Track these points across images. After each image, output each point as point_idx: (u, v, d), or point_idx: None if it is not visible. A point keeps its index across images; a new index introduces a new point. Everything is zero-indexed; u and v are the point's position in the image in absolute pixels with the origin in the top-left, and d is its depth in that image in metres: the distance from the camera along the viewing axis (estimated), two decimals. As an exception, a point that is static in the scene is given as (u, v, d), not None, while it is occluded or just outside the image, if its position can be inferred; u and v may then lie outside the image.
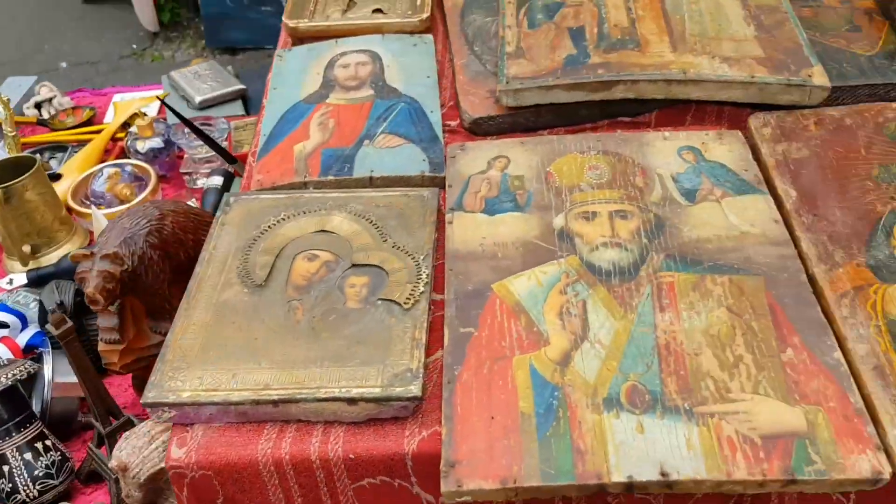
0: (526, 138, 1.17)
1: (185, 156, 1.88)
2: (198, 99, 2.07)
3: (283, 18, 1.43)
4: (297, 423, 0.85)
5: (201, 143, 1.79)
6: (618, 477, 0.77)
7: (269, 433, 0.85)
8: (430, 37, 1.39)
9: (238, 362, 0.87)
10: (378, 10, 1.46)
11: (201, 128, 1.82)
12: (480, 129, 1.21)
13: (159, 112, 2.12)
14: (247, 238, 1.02)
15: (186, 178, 1.88)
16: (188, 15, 4.05)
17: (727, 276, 0.94)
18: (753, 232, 0.99)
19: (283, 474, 0.84)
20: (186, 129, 1.82)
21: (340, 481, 0.84)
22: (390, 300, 0.93)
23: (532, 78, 1.18)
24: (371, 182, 1.12)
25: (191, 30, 4.00)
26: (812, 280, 0.93)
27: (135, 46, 3.92)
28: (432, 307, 0.95)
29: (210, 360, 0.88)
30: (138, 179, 1.82)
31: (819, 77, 1.15)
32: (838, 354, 0.85)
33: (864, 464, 0.76)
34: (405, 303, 0.92)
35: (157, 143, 1.88)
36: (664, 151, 1.12)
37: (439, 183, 1.12)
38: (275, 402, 0.84)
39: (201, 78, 2.09)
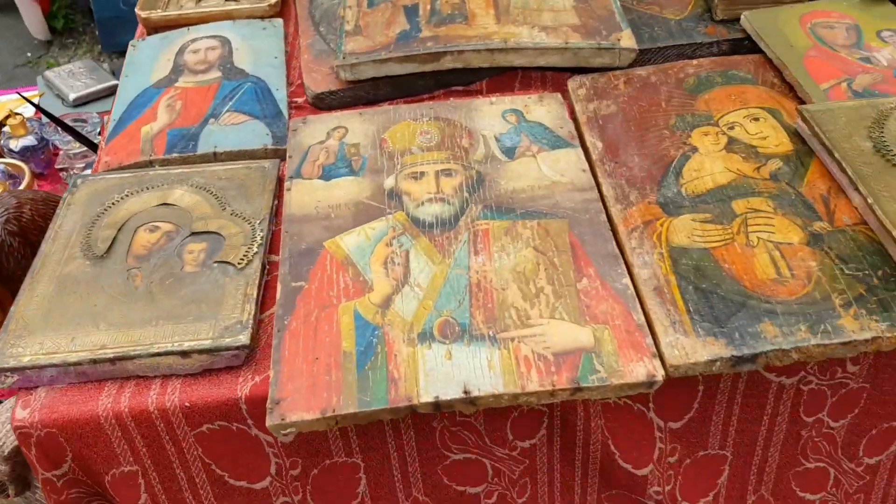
0: (365, 110, 1.25)
1: (61, 152, 1.89)
2: (71, 96, 2.08)
3: (136, 9, 1.47)
4: (136, 380, 0.91)
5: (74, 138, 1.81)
6: (426, 398, 0.85)
7: (109, 390, 0.91)
8: (279, 21, 1.46)
9: (78, 327, 0.92)
10: (231, -1, 1.51)
11: (74, 124, 1.84)
12: (324, 104, 1.28)
13: (36, 112, 2.12)
14: (91, 215, 1.07)
15: (63, 173, 1.90)
16: (83, 20, 4.00)
17: (536, 221, 1.04)
18: (563, 181, 1.09)
19: (125, 426, 0.90)
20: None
21: (180, 429, 0.91)
22: (225, 262, 0.99)
23: (367, 53, 1.26)
24: (215, 157, 1.18)
25: (86, 35, 3.95)
26: (609, 219, 1.04)
27: (29, 55, 3.86)
28: (268, 267, 1.02)
29: (51, 327, 0.93)
30: (12, 177, 1.83)
31: (627, 40, 1.26)
32: (626, 280, 0.96)
33: (640, 369, 0.87)
34: (239, 263, 0.99)
35: (30, 140, 1.89)
36: (490, 115, 1.21)
37: (281, 155, 1.18)
38: (112, 360, 0.89)
39: (75, 76, 2.10)
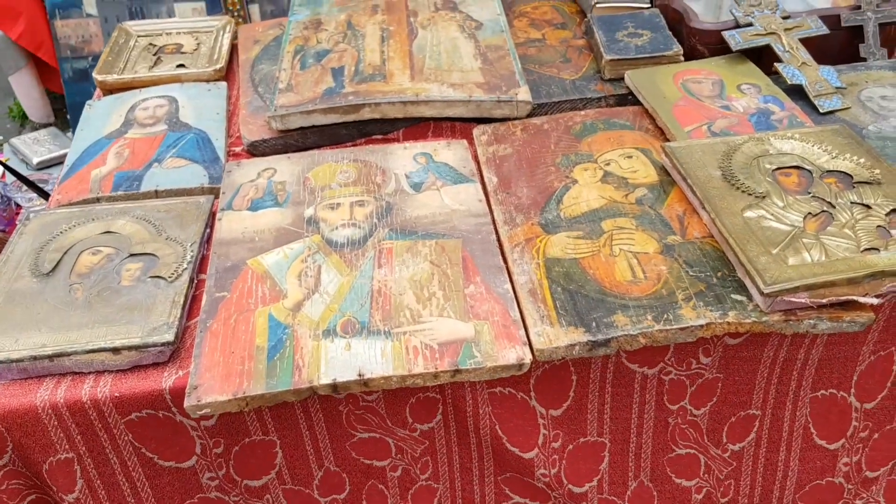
0: (293, 154, 1.41)
1: (23, 210, 2.03)
2: (35, 160, 2.23)
3: (94, 73, 1.65)
4: (72, 376, 1.03)
5: (36, 196, 1.96)
6: (325, 381, 0.98)
7: (47, 384, 1.02)
8: (223, 83, 1.64)
9: (21, 331, 1.05)
10: (181, 66, 1.70)
11: (38, 182, 1.98)
12: (258, 151, 1.45)
13: (2, 175, 2.27)
14: (40, 242, 1.20)
15: (23, 230, 2.03)
16: (56, 106, 4.20)
17: (434, 241, 1.19)
18: (461, 209, 1.26)
19: (60, 416, 1.01)
20: (23, 186, 1.98)
21: (111, 417, 1.02)
22: (158, 276, 1.13)
23: (296, 105, 1.43)
24: (156, 195, 1.32)
25: (59, 119, 4.14)
26: (498, 238, 1.20)
27: (1, 138, 4.02)
28: (197, 282, 1.16)
29: (-3, 331, 1.05)
30: (-26, 233, 1.96)
31: (524, 94, 1.45)
32: (507, 286, 1.11)
33: (511, 354, 1.01)
34: (170, 277, 1.12)
35: (-7, 200, 2.03)
36: (403, 157, 1.38)
37: (217, 193, 1.33)
38: (50, 357, 1.01)
39: (40, 143, 2.27)
